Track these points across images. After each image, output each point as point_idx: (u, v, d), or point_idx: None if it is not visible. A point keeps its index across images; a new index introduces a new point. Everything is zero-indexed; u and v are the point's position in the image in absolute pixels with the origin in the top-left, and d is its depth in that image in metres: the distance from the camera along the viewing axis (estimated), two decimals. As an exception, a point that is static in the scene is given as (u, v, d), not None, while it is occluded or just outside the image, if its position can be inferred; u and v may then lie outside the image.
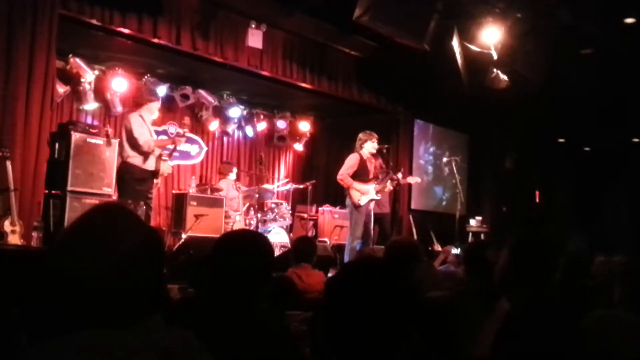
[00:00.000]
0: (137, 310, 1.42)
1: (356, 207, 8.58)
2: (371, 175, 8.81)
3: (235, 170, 10.84)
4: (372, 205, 8.87)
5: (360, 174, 8.65)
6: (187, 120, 10.30)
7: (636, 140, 14.62)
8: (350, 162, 8.70)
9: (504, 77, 9.46)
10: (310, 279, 5.25)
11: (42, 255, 1.53)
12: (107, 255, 1.39)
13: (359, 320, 1.70)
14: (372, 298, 1.71)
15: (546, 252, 2.89)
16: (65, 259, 1.41)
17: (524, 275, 2.83)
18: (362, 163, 8.71)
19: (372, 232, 8.84)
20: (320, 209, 11.65)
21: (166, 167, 7.90)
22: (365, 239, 8.60)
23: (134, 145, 7.51)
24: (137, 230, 1.47)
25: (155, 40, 8.25)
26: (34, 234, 6.83)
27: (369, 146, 8.78)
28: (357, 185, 8.57)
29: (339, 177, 8.69)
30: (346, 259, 8.48)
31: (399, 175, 9.56)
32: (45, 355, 1.35)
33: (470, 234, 11.79)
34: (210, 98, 11.36)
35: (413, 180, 10.11)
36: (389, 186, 9.18)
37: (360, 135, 8.84)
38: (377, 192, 8.81)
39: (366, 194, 8.62)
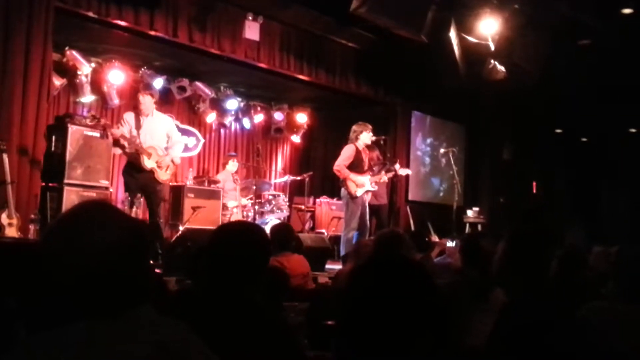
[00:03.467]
0: (125, 300, 1.45)
1: (352, 198, 8.56)
2: (366, 167, 8.79)
3: (234, 162, 10.82)
4: (368, 196, 8.87)
5: (356, 165, 8.62)
6: None
7: (634, 130, 14.63)
8: (347, 154, 8.67)
9: (501, 68, 9.46)
10: (292, 263, 5.46)
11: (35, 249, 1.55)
12: (92, 246, 1.43)
13: (377, 315, 1.70)
14: (393, 294, 1.72)
15: (542, 244, 2.90)
16: (51, 251, 1.45)
17: (520, 267, 2.84)
18: (358, 154, 8.67)
19: (368, 223, 8.82)
20: (317, 200, 11.66)
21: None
22: (361, 230, 8.58)
23: None
24: (121, 222, 1.51)
25: (152, 33, 8.23)
26: (31, 226, 6.85)
27: (365, 137, 8.73)
28: (353, 176, 8.55)
29: (335, 168, 8.66)
30: (342, 251, 8.47)
31: (397, 166, 9.56)
32: (41, 347, 1.36)
33: (468, 224, 11.80)
34: (207, 90, 11.34)
35: (404, 172, 10.03)
36: (385, 177, 9.17)
37: (355, 127, 8.77)
38: (372, 183, 8.80)
39: (362, 185, 8.61)
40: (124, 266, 1.46)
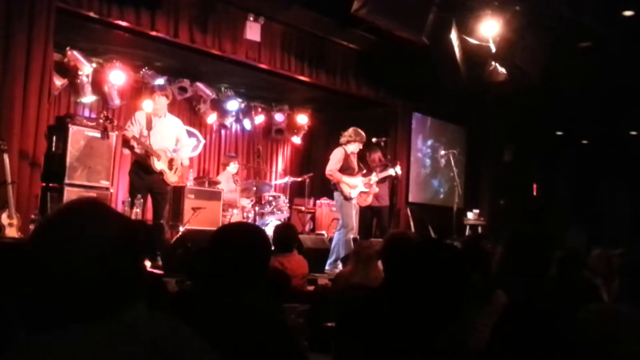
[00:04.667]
0: (120, 299, 1.42)
1: (346, 199, 8.63)
2: (356, 169, 8.86)
3: (235, 164, 10.82)
4: (370, 198, 8.96)
5: (346, 168, 8.71)
6: None
7: (634, 133, 14.62)
8: (337, 157, 8.73)
9: (502, 70, 9.45)
10: (293, 264, 5.55)
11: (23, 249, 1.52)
12: (84, 245, 1.40)
13: (422, 299, 1.78)
14: (436, 281, 1.80)
15: (541, 246, 2.90)
16: (40, 250, 1.42)
17: (520, 269, 2.84)
18: (347, 157, 8.76)
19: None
20: (317, 201, 11.64)
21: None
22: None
23: None
24: (113, 220, 1.48)
25: (153, 33, 8.22)
26: (32, 227, 6.81)
27: (355, 147, 8.81)
28: (346, 179, 8.64)
29: (327, 173, 8.73)
30: (342, 252, 8.48)
31: (397, 168, 9.63)
32: (38, 348, 1.34)
33: (468, 227, 11.79)
34: (208, 91, 11.35)
35: (393, 171, 9.97)
36: (376, 177, 9.20)
37: (352, 133, 8.79)
38: (365, 185, 8.90)
39: (355, 186, 8.73)
40: (118, 265, 1.42)
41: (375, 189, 9.30)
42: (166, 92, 8.02)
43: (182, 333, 1.48)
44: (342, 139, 8.81)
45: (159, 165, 7.62)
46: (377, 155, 9.80)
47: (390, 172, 9.54)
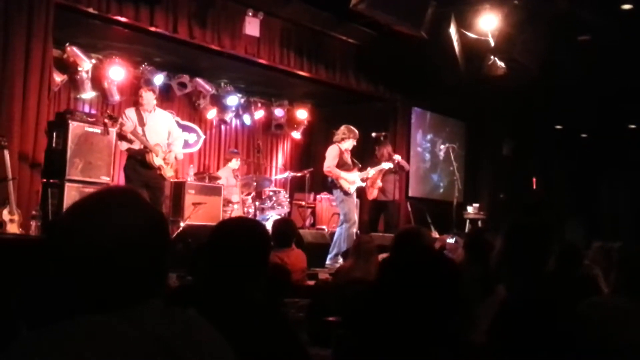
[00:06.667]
0: (136, 292, 1.40)
1: (347, 194, 8.70)
2: (352, 165, 8.92)
3: (237, 160, 10.83)
4: (375, 192, 9.09)
5: (342, 165, 8.78)
6: None
7: (633, 126, 14.63)
8: (332, 154, 8.80)
9: (501, 64, 9.46)
10: (292, 259, 5.57)
11: (45, 236, 1.52)
12: (106, 229, 1.38)
13: (411, 303, 1.82)
14: (426, 283, 1.83)
15: (539, 239, 2.91)
16: (64, 230, 1.41)
17: (518, 262, 2.85)
18: (341, 154, 8.83)
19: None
20: (318, 196, 11.64)
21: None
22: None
23: None
24: (142, 212, 1.46)
25: (152, 29, 8.23)
26: (33, 222, 6.84)
27: (349, 143, 8.86)
28: (344, 174, 8.71)
29: (325, 170, 8.79)
30: (344, 246, 8.50)
31: (396, 156, 9.74)
32: (39, 342, 1.33)
33: (468, 221, 11.80)
34: (207, 86, 11.34)
35: (387, 165, 9.98)
36: (372, 172, 9.26)
37: (345, 130, 8.83)
38: (362, 179, 9.01)
39: (353, 182, 8.82)
40: (140, 256, 1.40)
41: (379, 183, 9.41)
42: (153, 87, 8.12)
43: (196, 333, 1.45)
44: (336, 137, 8.88)
45: (157, 160, 7.67)
46: (386, 149, 9.89)
47: (384, 165, 9.56)
